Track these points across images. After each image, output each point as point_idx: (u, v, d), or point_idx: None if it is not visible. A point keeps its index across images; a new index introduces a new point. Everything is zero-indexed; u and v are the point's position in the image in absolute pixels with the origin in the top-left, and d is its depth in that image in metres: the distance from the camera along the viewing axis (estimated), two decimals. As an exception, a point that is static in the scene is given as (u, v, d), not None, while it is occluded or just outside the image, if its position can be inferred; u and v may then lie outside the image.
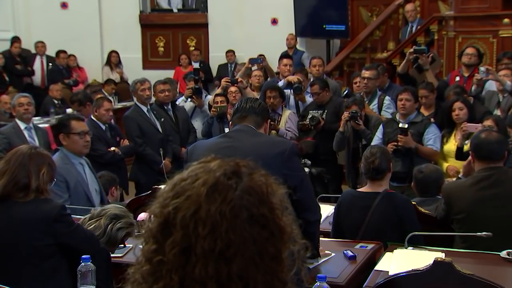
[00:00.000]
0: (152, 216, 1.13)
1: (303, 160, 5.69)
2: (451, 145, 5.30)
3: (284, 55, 7.56)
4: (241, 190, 1.10)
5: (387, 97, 6.36)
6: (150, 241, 1.11)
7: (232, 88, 6.53)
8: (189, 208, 1.08)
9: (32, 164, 2.89)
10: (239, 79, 6.69)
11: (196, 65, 9.85)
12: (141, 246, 1.16)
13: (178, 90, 7.95)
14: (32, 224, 2.80)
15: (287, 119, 6.20)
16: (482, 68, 5.86)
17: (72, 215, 2.99)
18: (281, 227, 1.12)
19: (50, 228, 2.81)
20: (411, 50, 6.70)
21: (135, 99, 6.22)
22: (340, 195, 4.01)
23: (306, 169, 5.57)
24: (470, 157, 3.96)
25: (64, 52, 10.54)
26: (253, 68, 7.50)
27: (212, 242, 1.05)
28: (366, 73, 6.41)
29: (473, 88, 6.02)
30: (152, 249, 1.10)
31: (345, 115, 5.73)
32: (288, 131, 6.10)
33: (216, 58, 10.65)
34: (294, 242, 1.14)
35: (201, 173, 1.13)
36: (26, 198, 2.85)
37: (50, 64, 10.52)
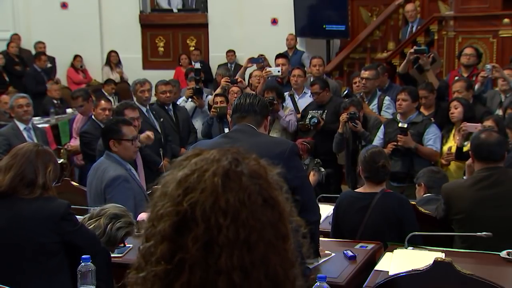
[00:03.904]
0: (157, 218, 1.10)
1: (315, 160, 5.70)
2: (449, 145, 5.30)
3: (279, 55, 7.55)
4: (248, 175, 1.11)
5: (387, 97, 6.35)
6: (164, 242, 1.08)
7: (234, 88, 6.53)
8: (206, 201, 1.07)
9: (40, 161, 2.89)
10: (239, 79, 6.70)
11: (196, 65, 9.85)
12: (146, 249, 1.13)
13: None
14: (39, 221, 2.80)
15: (287, 113, 6.31)
16: (488, 66, 5.85)
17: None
18: (283, 207, 1.14)
19: (57, 226, 2.82)
20: (412, 50, 6.68)
21: (135, 99, 6.22)
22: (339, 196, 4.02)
23: (322, 169, 5.59)
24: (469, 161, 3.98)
25: (44, 54, 10.24)
26: (251, 68, 7.50)
27: (235, 231, 1.05)
28: (365, 74, 6.41)
29: (476, 87, 6.02)
30: (168, 249, 1.08)
31: (343, 116, 5.72)
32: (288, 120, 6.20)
33: (216, 58, 10.64)
34: (291, 220, 1.16)
35: (205, 165, 1.11)
36: (32, 194, 2.84)
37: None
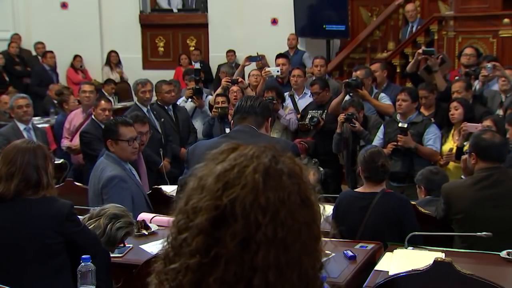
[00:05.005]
0: (194, 211, 1.09)
1: (313, 160, 5.70)
2: (449, 145, 5.31)
3: (279, 55, 7.55)
4: (287, 174, 1.10)
5: (382, 94, 6.32)
6: (200, 235, 1.08)
7: (234, 88, 6.54)
8: (247, 197, 1.06)
9: (40, 161, 2.88)
10: (239, 79, 6.70)
11: (196, 65, 9.86)
12: (179, 241, 1.11)
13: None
14: (43, 222, 2.80)
15: (287, 112, 6.32)
16: (488, 65, 5.85)
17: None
18: (317, 207, 1.13)
19: (62, 226, 2.82)
20: (420, 51, 6.64)
21: (135, 99, 6.23)
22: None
23: (321, 169, 5.59)
24: (464, 158, 3.99)
25: (50, 52, 10.30)
26: (250, 68, 7.50)
27: (273, 230, 1.05)
28: (356, 74, 6.38)
29: (477, 87, 6.01)
30: (204, 243, 1.07)
31: (341, 116, 5.70)
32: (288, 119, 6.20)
33: (216, 58, 10.64)
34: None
35: (245, 160, 1.10)
36: (36, 195, 2.84)
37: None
